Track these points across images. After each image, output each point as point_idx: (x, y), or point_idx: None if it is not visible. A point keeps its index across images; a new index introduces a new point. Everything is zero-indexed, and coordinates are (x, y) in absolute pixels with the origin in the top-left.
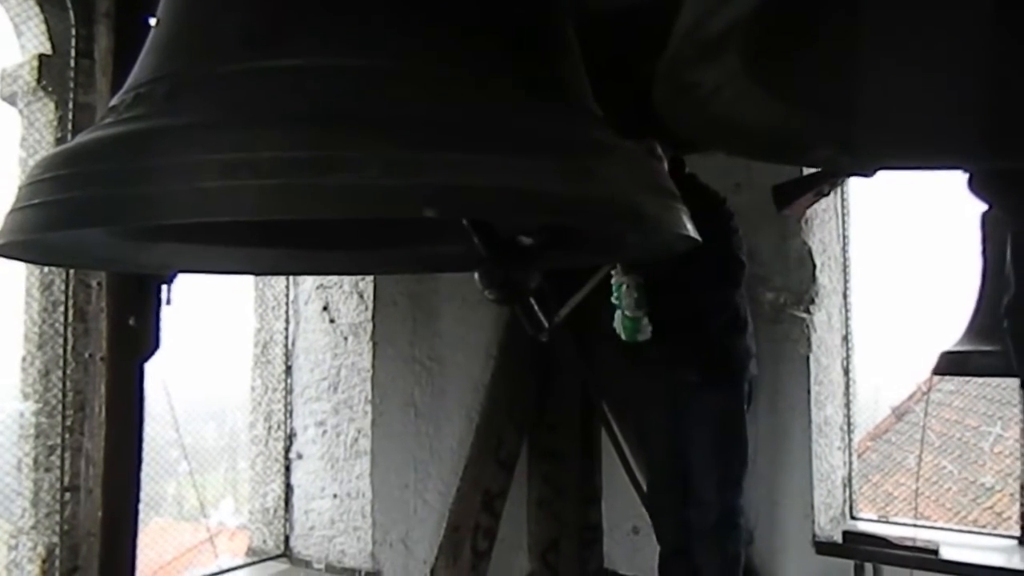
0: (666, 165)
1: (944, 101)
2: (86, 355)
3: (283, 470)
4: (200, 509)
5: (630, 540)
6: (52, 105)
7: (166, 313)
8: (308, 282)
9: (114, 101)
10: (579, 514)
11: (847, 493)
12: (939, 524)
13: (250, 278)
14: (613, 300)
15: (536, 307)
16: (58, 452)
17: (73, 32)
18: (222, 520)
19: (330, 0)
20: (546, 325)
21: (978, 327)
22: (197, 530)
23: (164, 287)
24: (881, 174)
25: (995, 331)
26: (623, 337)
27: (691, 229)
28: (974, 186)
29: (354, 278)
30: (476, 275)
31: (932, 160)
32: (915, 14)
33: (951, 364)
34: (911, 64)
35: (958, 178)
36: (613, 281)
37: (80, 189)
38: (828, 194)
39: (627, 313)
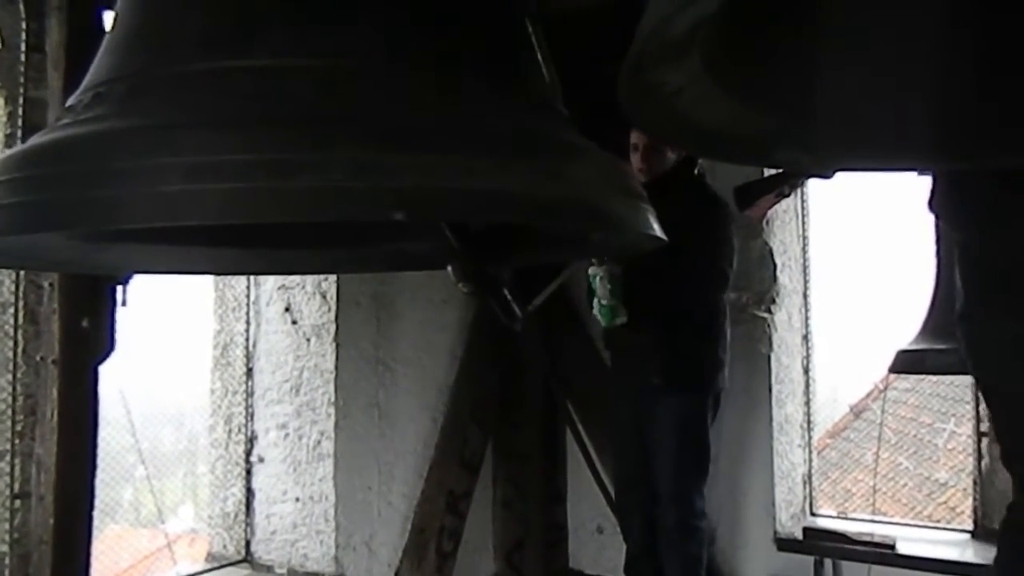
0: (672, 159)
1: (901, 103)
2: (37, 358)
3: (244, 474)
4: (158, 515)
5: (595, 540)
6: (1, 100)
7: (121, 314)
8: (269, 283)
9: (71, 101)
10: (544, 514)
11: (807, 490)
12: (896, 519)
13: (209, 278)
14: (592, 287)
15: (509, 297)
16: (8, 458)
17: (23, 26)
18: (181, 526)
19: (292, 0)
20: (519, 315)
21: (933, 326)
22: (155, 536)
23: (119, 288)
24: (840, 176)
25: (950, 330)
26: (602, 324)
27: (657, 230)
28: (932, 206)
29: (316, 279)
30: (449, 268)
31: (889, 162)
32: (874, 17)
33: (907, 363)
34: (869, 66)
35: (913, 179)
36: (589, 272)
37: (38, 192)
38: (789, 195)
39: (603, 301)
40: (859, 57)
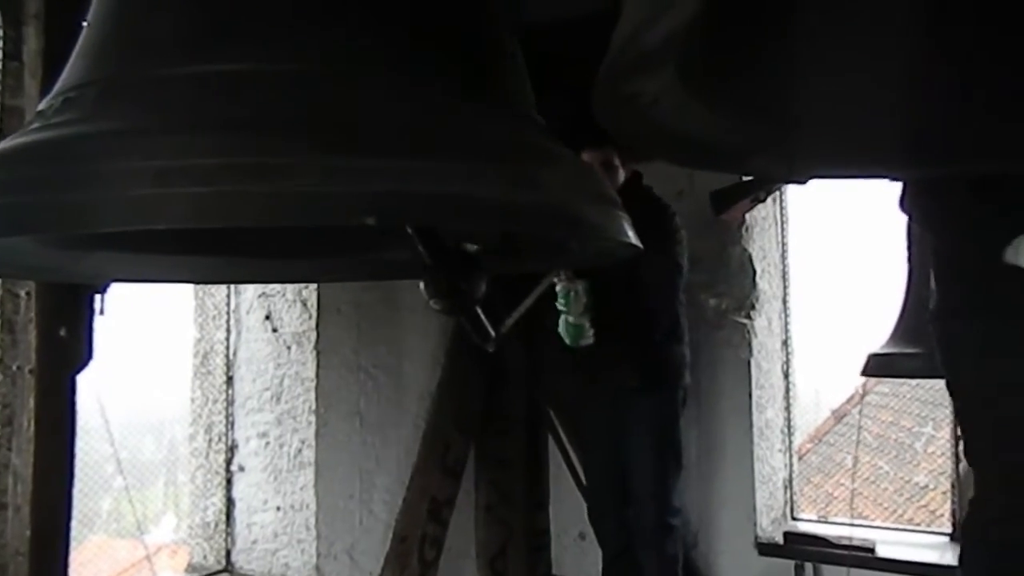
0: (623, 176)
1: (875, 112)
2: (14, 367)
3: (224, 483)
4: (137, 526)
5: (577, 545)
6: None
7: (99, 323)
8: (250, 291)
9: (42, 106)
10: (527, 520)
11: (788, 495)
12: (876, 523)
13: (189, 287)
14: (558, 306)
15: (483, 316)
16: None
17: (0, 34)
18: (163, 536)
19: (266, 4)
20: (493, 335)
21: (903, 330)
22: (136, 547)
23: (97, 296)
24: (815, 182)
25: (920, 334)
26: (567, 342)
27: (633, 237)
28: (903, 206)
29: (297, 286)
30: (421, 285)
31: (862, 169)
32: (848, 27)
33: (878, 366)
34: (844, 75)
35: (887, 186)
36: (558, 288)
37: (6, 196)
38: (764, 200)
39: (570, 319)
40: (834, 66)
